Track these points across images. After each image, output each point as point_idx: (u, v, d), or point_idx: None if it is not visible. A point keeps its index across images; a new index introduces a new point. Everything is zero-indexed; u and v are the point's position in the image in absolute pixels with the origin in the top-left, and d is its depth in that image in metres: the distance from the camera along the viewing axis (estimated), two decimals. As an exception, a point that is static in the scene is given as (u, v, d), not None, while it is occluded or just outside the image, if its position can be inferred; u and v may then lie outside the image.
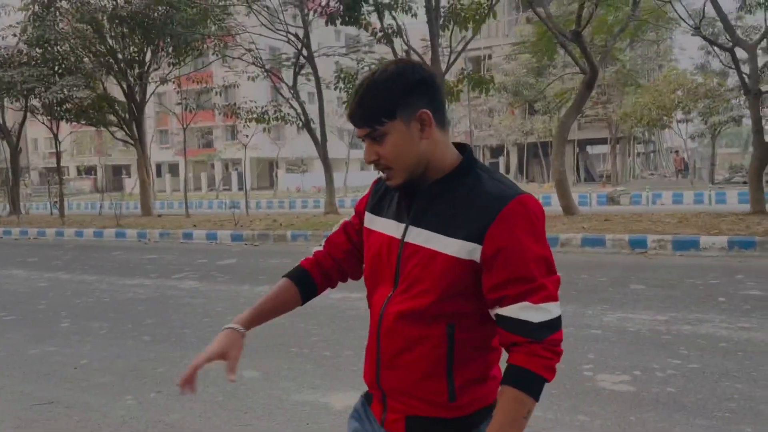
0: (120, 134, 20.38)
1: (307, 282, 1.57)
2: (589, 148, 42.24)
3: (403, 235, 1.35)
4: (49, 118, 19.41)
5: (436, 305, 1.29)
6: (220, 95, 18.82)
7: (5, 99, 19.24)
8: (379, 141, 1.30)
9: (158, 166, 50.61)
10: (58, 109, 18.28)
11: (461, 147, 1.38)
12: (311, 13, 15.31)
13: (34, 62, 17.68)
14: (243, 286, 8.04)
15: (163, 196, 39.33)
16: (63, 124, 20.61)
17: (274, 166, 47.23)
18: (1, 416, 3.94)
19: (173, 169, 51.97)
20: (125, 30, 17.29)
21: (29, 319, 6.58)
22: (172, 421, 3.76)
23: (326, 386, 4.25)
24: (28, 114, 20.47)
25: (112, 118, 19.28)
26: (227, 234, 13.34)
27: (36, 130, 43.58)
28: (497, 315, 1.27)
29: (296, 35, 15.44)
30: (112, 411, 3.98)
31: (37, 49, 17.61)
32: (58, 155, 19.39)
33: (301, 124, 16.17)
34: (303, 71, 16.38)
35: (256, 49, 16.02)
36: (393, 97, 1.27)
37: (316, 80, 15.37)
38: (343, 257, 1.59)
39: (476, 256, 1.26)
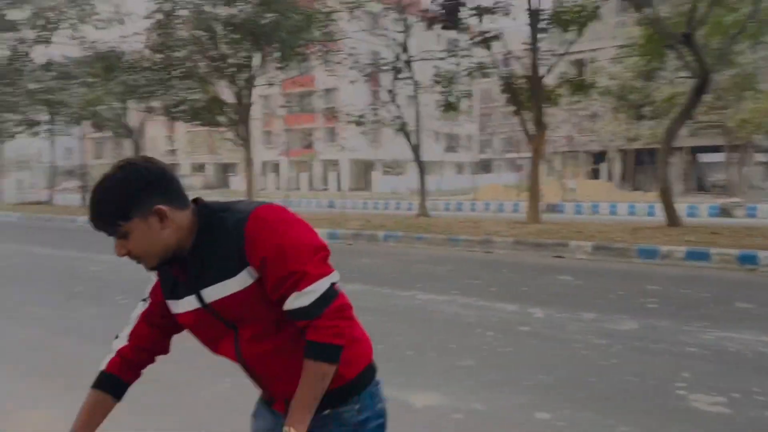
0: (229, 134, 21.62)
1: (118, 386, 1.65)
2: (702, 156, 39.65)
3: (202, 301, 1.50)
4: (166, 118, 20.97)
5: (266, 323, 1.48)
6: (322, 97, 19.47)
7: (130, 101, 20.94)
8: (125, 238, 1.42)
9: (263, 165, 52.98)
10: (175, 110, 19.70)
11: (195, 202, 1.51)
12: (412, 18, 15.52)
13: (155, 67, 19.14)
14: (335, 284, 8.33)
15: (265, 194, 41.11)
16: (179, 124, 22.15)
17: (370, 167, 48.06)
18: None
19: (276, 168, 54.21)
20: (237, 36, 18.33)
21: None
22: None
23: (407, 384, 4.36)
24: (149, 114, 22.19)
25: (222, 119, 20.49)
26: (324, 232, 13.82)
27: (155, 130, 46.96)
28: (285, 311, 1.44)
29: (395, 40, 15.73)
30: (210, 391, 4.31)
31: (159, 55, 19.06)
32: (173, 153, 20.82)
33: (398, 127, 16.43)
34: (402, 75, 16.64)
35: (358, 53, 16.46)
36: (123, 202, 1.38)
37: (414, 84, 15.57)
38: (152, 345, 1.68)
39: (254, 274, 1.44)
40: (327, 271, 1.45)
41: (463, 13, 12.96)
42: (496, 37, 13.26)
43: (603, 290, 7.60)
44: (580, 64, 31.42)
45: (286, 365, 1.51)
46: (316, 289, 1.41)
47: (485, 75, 14.94)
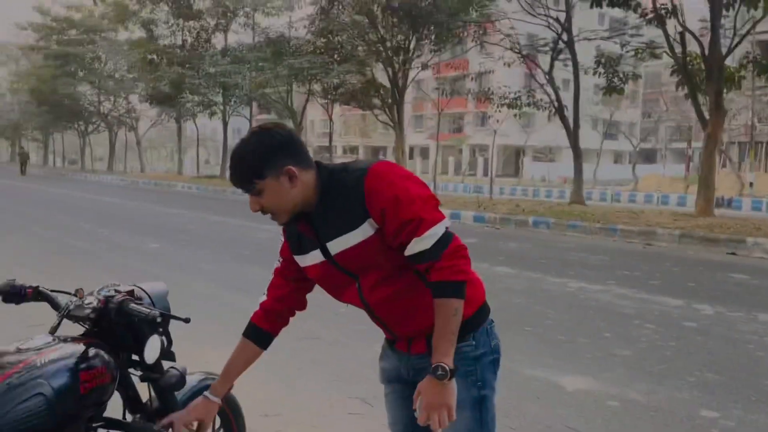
0: (383, 117, 22.24)
1: (263, 336, 1.89)
2: None
3: (327, 254, 1.65)
4: (326, 101, 22.02)
5: (391, 268, 1.61)
6: (475, 80, 19.30)
7: (293, 83, 22.28)
8: (259, 195, 1.59)
9: (411, 149, 53.86)
10: (334, 93, 20.61)
11: (316, 164, 1.65)
12: (575, -5, 14.81)
13: (318, 51, 20.16)
14: (482, 264, 8.29)
15: (413, 177, 41.66)
16: (335, 107, 23.18)
17: (520, 153, 46.87)
18: (278, 342, 4.73)
19: (424, 152, 54.75)
20: (395, 19, 18.71)
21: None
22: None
23: (559, 367, 4.24)
24: (311, 97, 23.46)
25: (376, 101, 21.10)
26: (470, 215, 13.75)
27: (313, 112, 49.52)
28: (406, 256, 1.56)
29: (557, 19, 15.08)
30: (363, 354, 4.52)
31: (322, 39, 20.04)
32: (330, 135, 21.92)
33: (553, 110, 15.82)
34: (561, 56, 15.95)
35: (516, 34, 16.04)
36: (258, 162, 1.56)
37: (574, 66, 14.86)
38: (289, 298, 1.87)
39: (375, 224, 1.56)
40: (440, 216, 1.57)
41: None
42: (672, 13, 12.19)
43: (785, 292, 6.80)
44: (764, 46, 27.97)
45: (407, 307, 1.66)
46: (434, 233, 1.53)
47: (655, 55, 13.85)
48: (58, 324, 1.84)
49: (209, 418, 1.87)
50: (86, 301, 1.85)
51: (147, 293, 2.00)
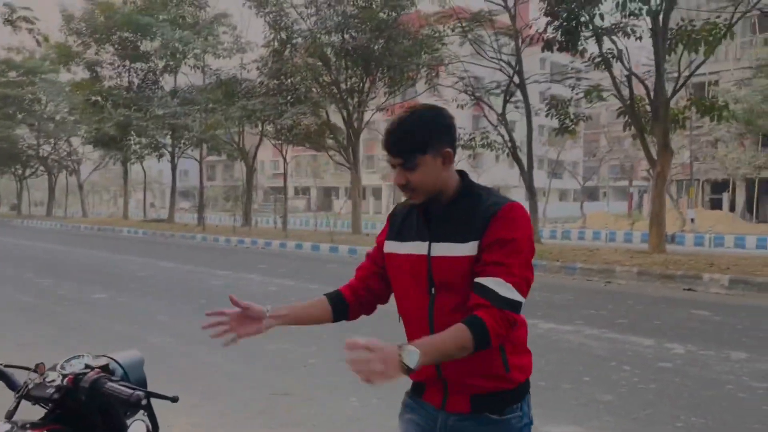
0: (338, 158, 22.17)
1: (340, 302, 1.80)
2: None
3: (429, 251, 1.61)
4: (278, 142, 21.83)
5: (468, 295, 1.54)
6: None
7: (246, 125, 22.03)
8: (410, 169, 1.57)
9: (363, 190, 54.04)
10: (288, 134, 20.47)
11: (460, 173, 1.67)
12: (525, 41, 15.27)
13: (271, 93, 20.05)
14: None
15: (366, 217, 41.74)
16: (286, 148, 22.98)
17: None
18: (247, 400, 4.43)
19: (377, 192, 54.99)
20: (349, 62, 18.85)
21: (264, 317, 7.36)
22: (395, 427, 3.91)
23: (546, 416, 4.09)
24: (263, 138, 23.21)
25: (331, 142, 21.06)
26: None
27: (263, 153, 49.17)
28: (474, 282, 1.52)
29: (509, 62, 15.49)
30: (339, 410, 4.25)
31: (274, 81, 19.97)
32: (285, 175, 21.69)
33: (507, 151, 16.10)
34: (512, 99, 16.35)
35: (468, 77, 16.38)
36: (426, 137, 1.56)
37: (527, 107, 15.23)
38: (373, 281, 1.80)
39: (477, 249, 1.54)
40: (526, 292, 1.55)
41: (582, 34, 12.52)
42: (617, 57, 12.69)
43: (749, 327, 6.91)
44: (701, 87, 29.60)
45: None
46: (515, 292, 1.51)
47: (602, 98, 14.36)
48: (16, 407, 1.54)
49: (255, 324, 1.71)
50: (48, 378, 1.54)
51: (119, 364, 1.71)
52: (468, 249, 1.56)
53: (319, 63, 19.12)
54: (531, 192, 15.57)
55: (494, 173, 44.43)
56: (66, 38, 26.08)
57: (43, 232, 26.00)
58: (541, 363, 5.37)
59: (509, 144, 15.85)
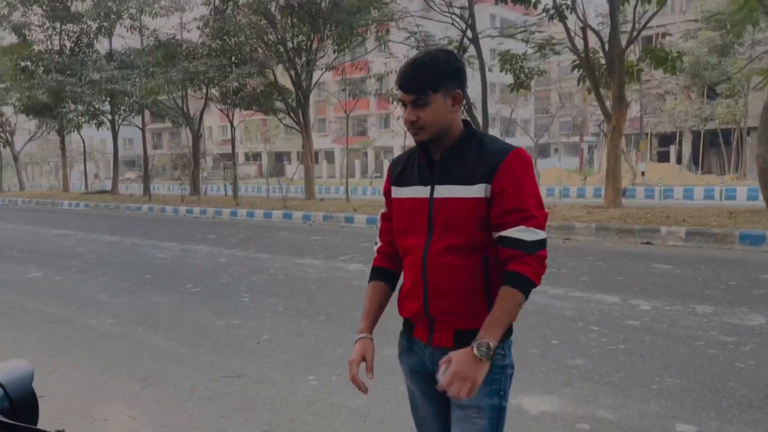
0: (287, 121, 21.40)
1: (388, 275, 1.91)
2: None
3: (431, 194, 1.68)
4: (225, 106, 20.88)
5: (469, 239, 1.64)
6: (380, 81, 18.99)
7: (189, 88, 20.96)
8: (421, 107, 1.63)
9: (316, 153, 53.13)
10: (234, 97, 19.56)
11: (464, 121, 1.73)
12: (476, -6, 14.80)
13: (214, 54, 19.02)
14: (409, 272, 7.87)
15: (320, 182, 41.10)
16: (235, 112, 22.10)
17: (425, 153, 47.28)
18: (194, 385, 4.03)
19: (329, 156, 54.19)
20: (294, 20, 18.01)
21: (213, 292, 6.91)
22: (357, 407, 3.60)
23: (514, 386, 3.83)
24: (208, 102, 22.18)
25: (280, 105, 20.27)
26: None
27: (210, 119, 47.57)
28: (499, 236, 1.61)
29: (462, 16, 15.00)
30: (297, 390, 3.91)
31: (217, 41, 18.93)
32: (233, 141, 20.83)
33: (462, 108, 15.77)
34: (465, 54, 15.92)
35: (420, 32, 15.83)
36: (440, 76, 1.63)
37: (480, 63, 14.82)
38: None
39: (488, 193, 1.62)
40: (545, 226, 1.63)
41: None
42: (572, 9, 12.37)
43: (710, 280, 6.85)
44: (649, 40, 29.77)
45: (458, 284, 1.66)
46: (539, 232, 1.60)
47: (555, 52, 14.10)
48: None
49: (371, 352, 1.82)
50: None
51: None
52: (475, 191, 1.62)
53: (264, 21, 18.17)
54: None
55: (448, 133, 44.20)
56: (-13, -2, 24.14)
57: (-24, 208, 24.49)
58: (507, 327, 5.15)
59: (464, 101, 15.48)
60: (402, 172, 1.80)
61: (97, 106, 23.98)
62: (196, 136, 23.73)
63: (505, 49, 14.96)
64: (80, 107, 23.55)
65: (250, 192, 31.25)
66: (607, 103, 13.03)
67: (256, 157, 57.94)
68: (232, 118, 21.24)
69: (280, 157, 59.10)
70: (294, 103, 19.56)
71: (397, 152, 47.22)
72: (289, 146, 53.73)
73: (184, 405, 3.74)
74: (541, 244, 1.60)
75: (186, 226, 14.76)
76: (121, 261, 9.41)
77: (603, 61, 12.82)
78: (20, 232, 14.25)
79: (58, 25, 25.36)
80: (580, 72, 13.19)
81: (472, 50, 15.58)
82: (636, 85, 22.68)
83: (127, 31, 24.50)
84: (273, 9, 17.93)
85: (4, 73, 27.25)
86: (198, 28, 19.83)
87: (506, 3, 12.40)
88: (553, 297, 6.18)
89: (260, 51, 19.09)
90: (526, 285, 1.57)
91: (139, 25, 23.87)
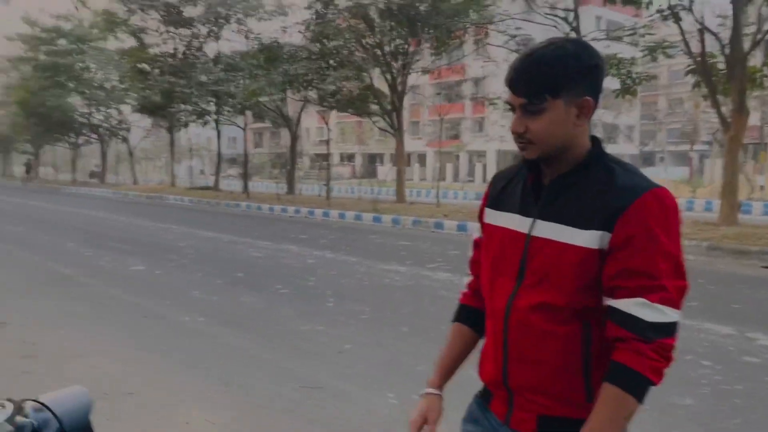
0: (381, 124, 21.49)
1: (476, 317, 1.52)
2: None
3: (530, 229, 1.32)
4: (322, 108, 21.28)
5: (569, 299, 1.26)
6: (475, 85, 18.64)
7: (288, 90, 21.54)
8: (533, 115, 1.26)
9: (408, 156, 53.23)
10: (331, 99, 19.88)
11: (593, 139, 1.33)
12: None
13: (313, 57, 19.43)
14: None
15: (411, 185, 41.05)
16: (331, 114, 22.46)
17: (518, 159, 46.20)
18: (272, 393, 3.99)
19: (421, 159, 54.11)
20: (393, 23, 18.02)
21: (301, 294, 6.94)
22: (438, 434, 3.39)
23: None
24: (305, 104, 22.71)
25: (375, 108, 20.38)
26: (478, 226, 12.99)
27: (308, 120, 48.85)
28: (609, 306, 1.23)
29: (565, 19, 14.39)
30: (375, 408, 3.76)
31: (317, 45, 19.32)
32: (328, 142, 21.18)
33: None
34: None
35: (521, 35, 15.34)
36: (564, 76, 1.23)
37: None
38: None
39: (605, 244, 1.22)
40: (680, 306, 1.22)
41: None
42: (687, 9, 11.48)
43: None
44: (773, 44, 27.33)
45: (547, 354, 1.29)
46: (668, 313, 1.19)
47: (668, 55, 13.17)
48: None
49: (435, 413, 1.52)
50: None
51: (54, 414, 1.17)
52: (587, 239, 1.23)
53: (363, 24, 18.33)
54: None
55: (545, 138, 42.94)
56: (111, 4, 25.99)
57: (93, 199, 26.45)
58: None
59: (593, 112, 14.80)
60: (503, 191, 1.43)
61: (203, 107, 25.21)
62: (294, 137, 24.37)
63: (611, 53, 14.16)
64: (188, 107, 24.84)
65: (342, 193, 31.76)
66: (724, 110, 12.00)
67: (351, 158, 58.90)
68: (329, 120, 21.62)
69: (373, 159, 59.74)
70: (389, 106, 19.59)
71: (491, 157, 46.40)
72: (382, 148, 54.16)
73: (261, 414, 3.70)
74: (667, 329, 1.19)
75: (280, 225, 15.12)
76: (217, 258, 9.72)
77: (721, 66, 11.81)
78: (130, 225, 15.15)
79: (172, 29, 26.92)
80: (695, 77, 12.23)
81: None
82: (757, 92, 20.88)
83: (234, 34, 25.59)
84: (372, 13, 18.04)
85: (123, 74, 29.32)
86: (299, 32, 20.34)
87: (614, 4, 11.67)
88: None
89: (358, 54, 19.28)
90: (636, 384, 1.18)
91: (245, 28, 24.84)
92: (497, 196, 1.45)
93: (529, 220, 1.33)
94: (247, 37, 24.28)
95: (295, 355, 4.77)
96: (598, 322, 1.26)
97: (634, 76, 13.43)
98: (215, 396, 3.97)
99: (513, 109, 1.29)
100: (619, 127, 45.63)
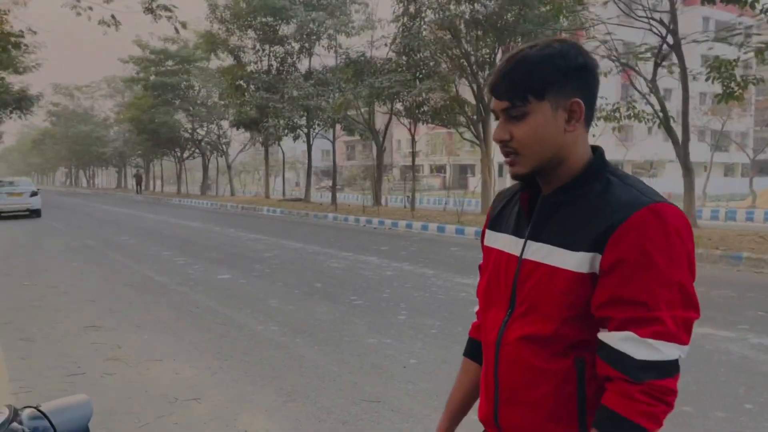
0: (467, 135, 21.28)
1: (478, 348, 1.39)
2: None
3: (522, 252, 1.21)
4: (409, 120, 21.38)
5: (559, 331, 1.13)
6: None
7: (375, 103, 21.83)
8: (517, 120, 1.16)
9: (499, 167, 52.33)
10: (417, 111, 19.93)
11: (594, 148, 1.21)
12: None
13: (399, 69, 19.60)
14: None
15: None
16: (420, 126, 22.48)
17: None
18: (332, 405, 3.99)
19: (514, 169, 53.04)
20: (479, 33, 17.84)
21: (374, 306, 6.95)
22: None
23: (691, 460, 3.20)
24: (393, 117, 22.94)
25: (461, 119, 20.22)
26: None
27: (399, 132, 49.35)
28: (598, 340, 1.09)
29: (661, 21, 13.62)
30: (432, 426, 3.65)
31: (403, 57, 19.47)
32: (413, 154, 21.25)
33: (658, 122, 14.28)
34: (665, 62, 14.43)
35: (612, 40, 14.69)
36: (548, 76, 1.13)
37: (682, 71, 13.28)
38: None
39: (596, 267, 1.09)
40: (684, 339, 1.06)
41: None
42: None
43: None
44: None
45: (537, 393, 1.17)
46: (663, 351, 1.04)
47: (777, 56, 12.09)
48: None
49: None
50: None
51: (48, 418, 1.18)
52: (576, 261, 1.10)
53: (449, 35, 18.27)
54: (686, 168, 13.68)
55: (646, 147, 40.88)
56: (212, 26, 27.57)
57: (194, 210, 28.02)
58: (687, 381, 4.38)
59: (660, 114, 14.01)
60: (502, 210, 1.34)
61: (295, 121, 26.09)
62: (380, 149, 24.65)
63: (714, 56, 13.24)
64: (281, 121, 25.80)
65: (431, 204, 31.69)
66: None
67: (440, 169, 58.76)
68: (415, 132, 21.68)
69: (464, 170, 59.27)
70: (474, 116, 19.37)
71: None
72: (473, 158, 53.55)
73: (319, 426, 3.71)
74: (663, 368, 1.04)
75: (364, 236, 15.29)
76: (299, 268, 9.96)
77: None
78: (223, 235, 15.88)
79: (267, 47, 28.12)
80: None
81: (674, 58, 14.07)
82: None
83: (325, 50, 26.34)
84: (459, 23, 17.95)
85: (223, 91, 30.94)
86: (385, 45, 20.60)
87: (714, 4, 10.88)
88: (755, 348, 5.18)
89: (444, 65, 19.23)
90: (624, 430, 1.04)
91: (335, 44, 25.51)
92: (496, 216, 1.35)
93: (521, 242, 1.22)
94: (336, 52, 24.90)
95: (359, 368, 4.76)
96: (593, 359, 1.13)
97: (738, 79, 12.47)
98: (278, 405, 4.03)
99: (497, 115, 1.20)
100: (730, 134, 42.55)
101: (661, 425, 1.06)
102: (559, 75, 1.13)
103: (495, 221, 1.35)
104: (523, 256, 1.21)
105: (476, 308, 1.45)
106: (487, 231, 1.38)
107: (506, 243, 1.27)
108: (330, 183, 55.53)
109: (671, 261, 1.05)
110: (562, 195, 1.18)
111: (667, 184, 39.61)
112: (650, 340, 1.04)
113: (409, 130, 21.85)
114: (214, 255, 11.56)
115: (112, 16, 14.28)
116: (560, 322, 1.13)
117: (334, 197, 25.01)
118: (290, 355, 5.14)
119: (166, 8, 13.82)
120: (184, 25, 14.70)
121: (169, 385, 4.42)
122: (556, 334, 1.14)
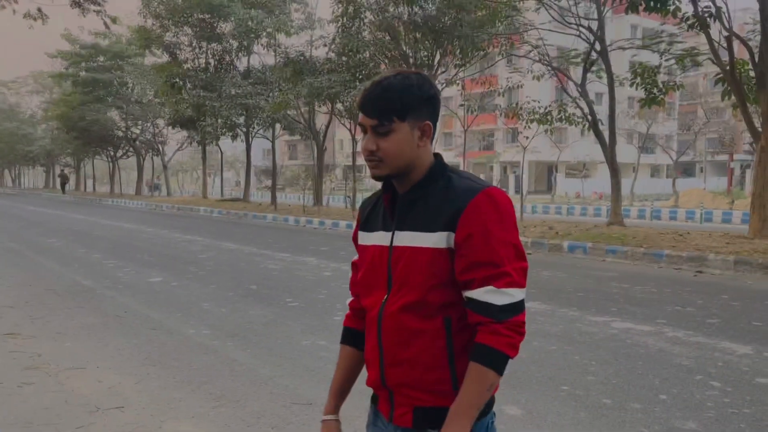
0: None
1: (359, 337, 1.63)
2: None
3: (391, 241, 1.47)
4: (350, 120, 21.36)
5: (427, 296, 1.41)
6: (503, 96, 18.49)
7: (315, 103, 21.71)
8: (384, 135, 1.42)
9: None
10: (357, 111, 19.96)
11: (435, 155, 1.51)
12: (607, 3, 13.89)
13: (339, 70, 19.57)
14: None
15: (442, 196, 40.90)
16: (356, 126, 22.43)
17: (553, 170, 45.67)
18: (262, 409, 3.96)
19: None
20: (418, 35, 18.03)
21: (309, 307, 6.92)
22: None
23: (607, 450, 3.35)
24: (333, 117, 22.87)
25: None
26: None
27: (342, 132, 49.23)
28: (466, 297, 1.39)
29: (589, 28, 14.16)
30: (363, 425, 3.69)
31: (343, 58, 19.45)
32: (354, 154, 21.24)
33: (587, 125, 14.84)
34: (593, 68, 15.01)
35: (545, 45, 15.15)
36: (410, 102, 1.42)
37: (609, 77, 13.85)
38: None
39: (452, 243, 1.39)
40: (524, 283, 1.40)
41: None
42: (716, 17, 11.16)
43: None
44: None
45: (415, 351, 1.43)
46: (513, 293, 1.37)
47: (697, 63, 12.81)
48: None
49: None
50: None
51: None
52: (434, 240, 1.40)
53: (387, 37, 18.38)
54: (613, 169, 14.28)
55: (578, 148, 42.33)
56: (145, 21, 26.69)
57: (127, 210, 27.10)
58: (608, 373, 4.58)
59: (589, 117, 14.56)
60: (370, 213, 1.59)
61: (234, 120, 25.62)
62: (321, 149, 24.54)
63: (639, 62, 13.86)
64: (219, 120, 25.28)
65: (372, 204, 31.79)
66: (757, 121, 11.60)
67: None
68: (356, 132, 21.69)
69: (405, 170, 59.72)
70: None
71: (525, 168, 45.76)
72: (414, 159, 54.13)
73: (247, 431, 3.67)
74: (515, 308, 1.36)
75: (303, 237, 15.19)
76: (234, 270, 9.80)
77: (753, 74, 11.43)
78: (156, 236, 15.43)
79: (204, 44, 27.48)
80: (725, 86, 11.86)
81: (602, 64, 14.65)
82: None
83: (264, 49, 25.97)
84: (397, 25, 18.09)
85: (158, 89, 30.05)
86: (324, 45, 20.52)
87: (637, 12, 11.42)
88: (671, 341, 5.46)
89: (383, 66, 19.33)
90: (497, 360, 1.35)
91: (275, 43, 25.19)
92: (365, 219, 1.60)
93: (389, 234, 1.48)
94: (275, 51, 24.60)
95: (291, 371, 4.74)
96: (457, 316, 1.41)
97: (659, 84, 13.10)
98: (206, 411, 3.96)
99: (365, 129, 1.44)
100: (655, 137, 44.60)
101: (518, 352, 1.38)
102: (417, 102, 1.42)
103: (365, 224, 1.59)
104: (393, 244, 1.47)
105: (348, 300, 1.72)
106: (359, 233, 1.61)
107: (378, 238, 1.52)
108: (268, 183, 54.90)
109: (504, 228, 1.38)
110: (417, 191, 1.46)
111: (599, 184, 41.22)
112: (505, 289, 1.35)
113: (350, 130, 21.83)
114: (146, 257, 11.23)
115: (39, 9, 13.64)
116: (427, 289, 1.41)
117: (273, 197, 24.73)
118: (221, 360, 5.06)
119: (94, 2, 13.28)
120: (114, 20, 14.18)
121: (90, 393, 4.27)
122: (425, 300, 1.41)
